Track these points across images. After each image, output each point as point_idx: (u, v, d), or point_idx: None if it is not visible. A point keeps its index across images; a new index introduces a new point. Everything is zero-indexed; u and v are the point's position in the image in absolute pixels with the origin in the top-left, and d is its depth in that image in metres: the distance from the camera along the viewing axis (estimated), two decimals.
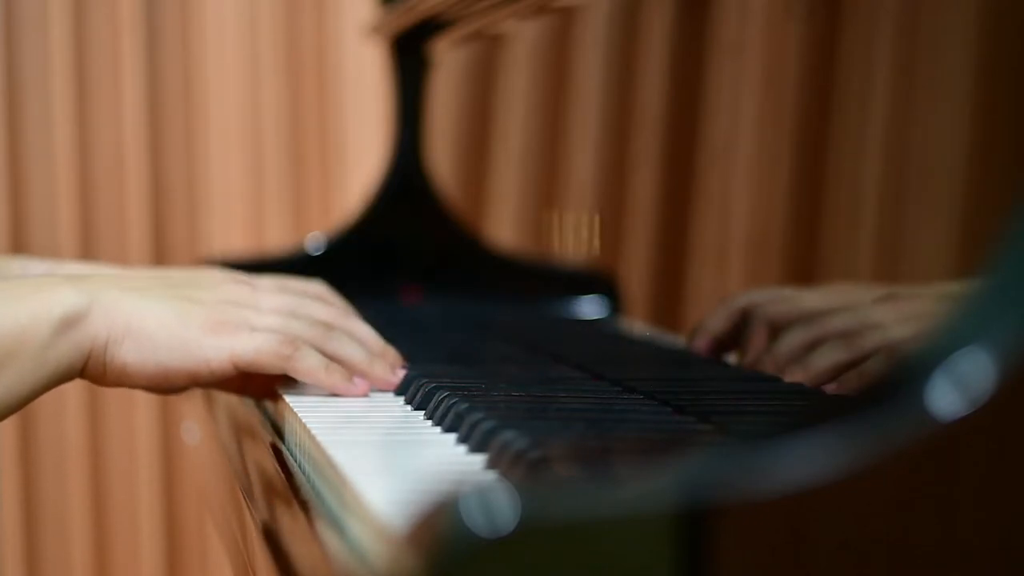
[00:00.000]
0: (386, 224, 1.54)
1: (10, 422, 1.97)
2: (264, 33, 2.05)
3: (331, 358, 0.87)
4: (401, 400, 0.86)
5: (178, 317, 0.85)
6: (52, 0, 1.96)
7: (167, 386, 0.87)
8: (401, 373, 0.89)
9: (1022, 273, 0.49)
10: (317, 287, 0.95)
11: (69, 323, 0.82)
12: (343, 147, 2.09)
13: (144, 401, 2.01)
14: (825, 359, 0.81)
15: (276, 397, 0.90)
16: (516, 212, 1.36)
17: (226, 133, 2.04)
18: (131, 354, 0.84)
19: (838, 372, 0.80)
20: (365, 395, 0.87)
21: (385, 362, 0.89)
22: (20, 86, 1.97)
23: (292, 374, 0.86)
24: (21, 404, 0.83)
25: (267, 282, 0.93)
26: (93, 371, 0.84)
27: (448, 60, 1.53)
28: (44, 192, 1.97)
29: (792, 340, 0.84)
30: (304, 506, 0.68)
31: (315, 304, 0.91)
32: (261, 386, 0.91)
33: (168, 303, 0.85)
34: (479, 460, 0.67)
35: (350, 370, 0.88)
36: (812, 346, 0.82)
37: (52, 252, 1.97)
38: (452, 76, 1.52)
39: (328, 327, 0.89)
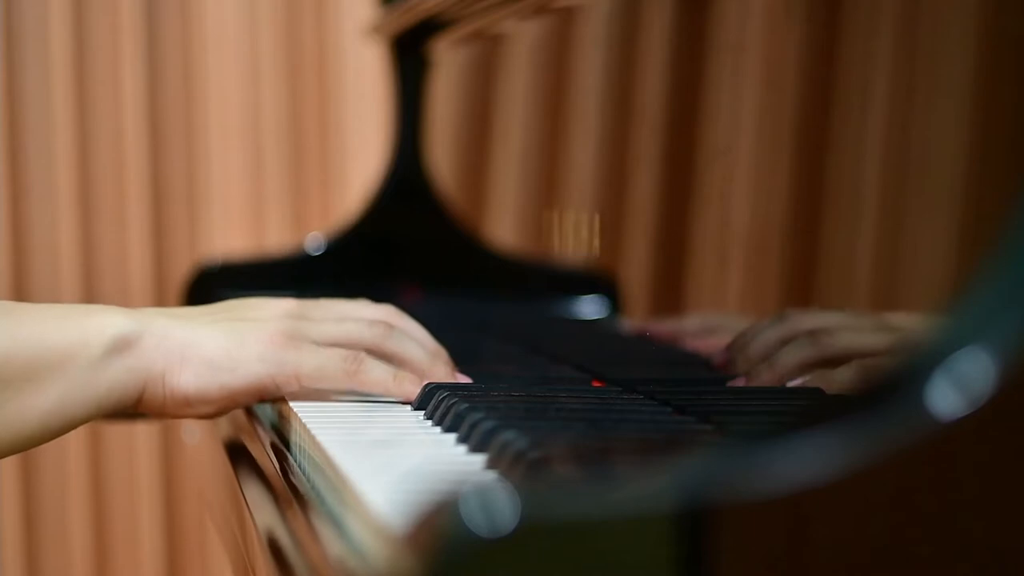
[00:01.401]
0: (386, 224, 1.54)
1: None
2: (264, 33, 2.05)
3: (392, 357, 0.86)
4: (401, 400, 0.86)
5: (234, 338, 0.83)
6: (52, 0, 1.96)
7: (233, 407, 0.85)
8: (460, 376, 0.88)
9: (1022, 273, 0.49)
10: (363, 301, 0.93)
11: (120, 347, 0.81)
12: (343, 147, 2.09)
13: None
14: (790, 357, 0.81)
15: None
16: (516, 212, 1.36)
17: (226, 133, 2.04)
18: (191, 382, 0.82)
19: (804, 370, 0.80)
20: None
21: (442, 361, 0.88)
22: (20, 86, 1.97)
23: (360, 387, 0.85)
24: (70, 425, 0.81)
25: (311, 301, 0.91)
26: (151, 403, 0.83)
27: (448, 60, 1.53)
28: (44, 192, 1.97)
29: (762, 338, 0.84)
30: (304, 506, 0.68)
31: (367, 307, 0.90)
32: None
33: (221, 326, 0.84)
34: (479, 460, 0.67)
35: (411, 370, 0.86)
36: (780, 344, 0.82)
37: (52, 252, 1.97)
38: (452, 76, 1.52)
39: (387, 326, 0.87)
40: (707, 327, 0.94)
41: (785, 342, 0.82)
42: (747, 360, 0.85)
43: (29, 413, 0.79)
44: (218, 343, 0.83)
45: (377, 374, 0.84)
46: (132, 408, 0.83)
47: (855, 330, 0.79)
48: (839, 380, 0.77)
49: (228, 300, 0.90)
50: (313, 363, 0.83)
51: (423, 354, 0.87)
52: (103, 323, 0.81)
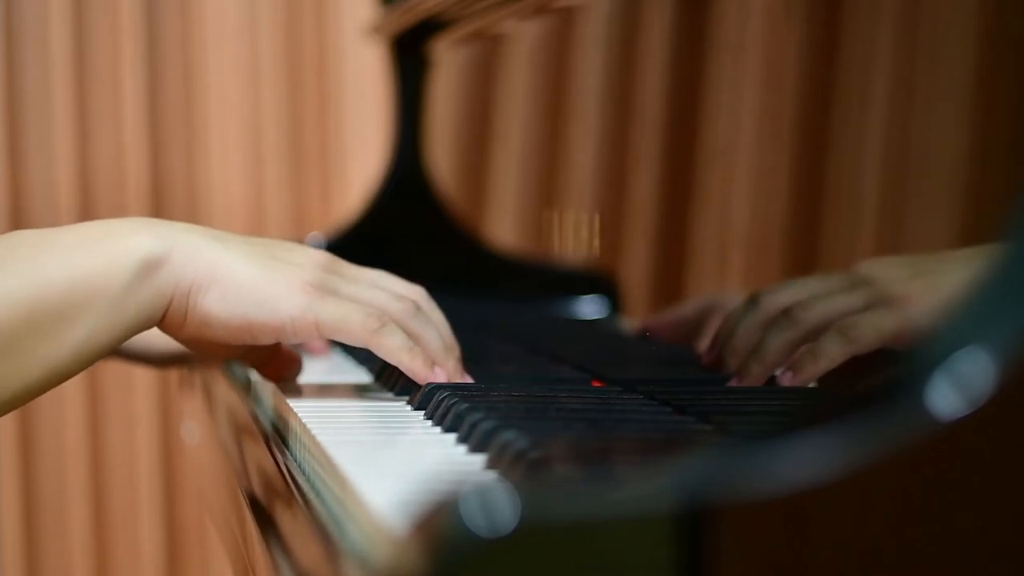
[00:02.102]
0: (386, 224, 1.54)
1: (10, 421, 1.97)
2: (264, 33, 2.05)
3: (410, 337, 0.85)
4: (402, 400, 0.86)
5: (266, 272, 0.82)
6: (52, 0, 1.96)
7: (248, 340, 0.84)
8: (467, 377, 0.88)
9: (1022, 273, 0.49)
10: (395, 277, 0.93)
11: (149, 269, 0.80)
12: (343, 147, 2.09)
13: (144, 401, 2.01)
14: (774, 342, 0.81)
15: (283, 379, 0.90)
16: (516, 212, 1.36)
17: (226, 133, 2.04)
18: (216, 303, 0.81)
19: (790, 351, 0.80)
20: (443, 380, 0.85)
21: (454, 356, 0.88)
22: (20, 86, 1.97)
23: (375, 348, 0.84)
24: (100, 355, 0.80)
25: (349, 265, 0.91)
26: (173, 319, 0.82)
27: (448, 60, 1.53)
28: (44, 192, 1.97)
29: (741, 331, 0.84)
30: (304, 506, 0.68)
31: (399, 282, 0.89)
32: (286, 366, 0.90)
33: (255, 258, 0.83)
34: (479, 460, 0.67)
35: (427, 355, 0.85)
36: (759, 331, 0.82)
37: None
38: (452, 76, 1.52)
39: (414, 304, 0.87)
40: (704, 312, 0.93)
41: (764, 327, 0.82)
42: (734, 356, 0.85)
43: (61, 350, 0.79)
44: (249, 272, 0.82)
45: (395, 340, 0.84)
46: (156, 324, 0.82)
47: (827, 295, 0.79)
48: (826, 351, 0.77)
49: (264, 238, 0.90)
50: (336, 313, 0.83)
51: (440, 343, 0.87)
52: (130, 246, 0.80)
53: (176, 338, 0.85)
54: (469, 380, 0.87)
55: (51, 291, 0.78)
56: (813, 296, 0.80)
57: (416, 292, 0.89)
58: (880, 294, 0.75)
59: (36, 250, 0.79)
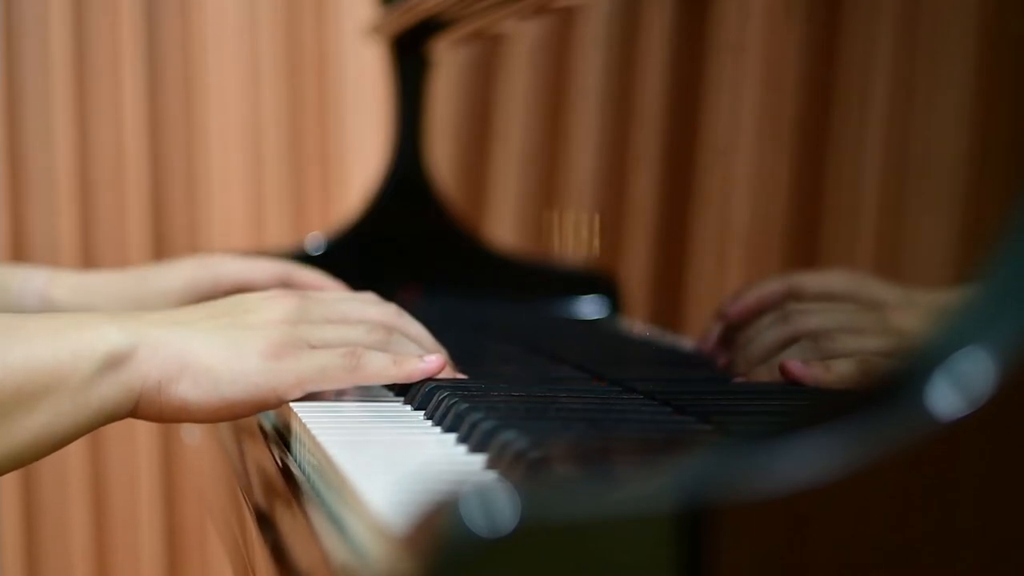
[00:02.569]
0: (386, 224, 1.54)
1: None
2: (264, 33, 2.05)
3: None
4: (401, 400, 0.86)
5: (233, 348, 0.82)
6: (52, 0, 1.96)
7: (232, 418, 0.84)
8: (460, 376, 0.88)
9: (1022, 273, 0.49)
10: (367, 295, 0.93)
11: (113, 363, 0.80)
12: (343, 147, 2.09)
13: None
14: (771, 336, 0.81)
15: None
16: (516, 212, 1.36)
17: (226, 133, 2.04)
18: (191, 392, 0.81)
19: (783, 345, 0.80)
20: (439, 371, 0.85)
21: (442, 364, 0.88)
22: (20, 86, 1.97)
23: (363, 382, 0.84)
24: (60, 443, 0.80)
25: (315, 293, 0.90)
26: (147, 411, 0.82)
27: (448, 60, 1.53)
28: (44, 192, 1.97)
29: (763, 341, 0.84)
30: (304, 506, 0.68)
31: (369, 305, 0.89)
32: None
33: (219, 334, 0.83)
34: (479, 460, 0.67)
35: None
36: (782, 346, 0.83)
37: (52, 252, 1.97)
38: (452, 76, 1.52)
39: (387, 330, 0.87)
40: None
41: (787, 343, 0.82)
42: (747, 362, 0.85)
43: (18, 436, 0.79)
44: (217, 353, 0.82)
45: (377, 364, 0.84)
46: (127, 417, 0.83)
47: (853, 331, 0.79)
48: (840, 373, 0.77)
49: (226, 298, 0.89)
50: (313, 367, 0.83)
51: (422, 353, 0.87)
52: (94, 339, 0.80)
53: (158, 422, 0.85)
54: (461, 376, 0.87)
55: (12, 375, 0.78)
56: (842, 328, 0.79)
57: (388, 312, 0.89)
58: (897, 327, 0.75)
59: (1, 334, 0.79)
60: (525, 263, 1.32)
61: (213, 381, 0.81)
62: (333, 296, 0.92)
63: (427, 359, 0.85)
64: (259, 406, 0.83)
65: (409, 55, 1.57)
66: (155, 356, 0.81)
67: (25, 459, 0.80)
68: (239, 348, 0.82)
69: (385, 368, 0.84)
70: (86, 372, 0.79)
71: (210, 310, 0.87)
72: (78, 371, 0.79)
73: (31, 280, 1.10)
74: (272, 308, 0.86)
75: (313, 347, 0.84)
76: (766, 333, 0.84)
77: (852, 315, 0.80)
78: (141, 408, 0.82)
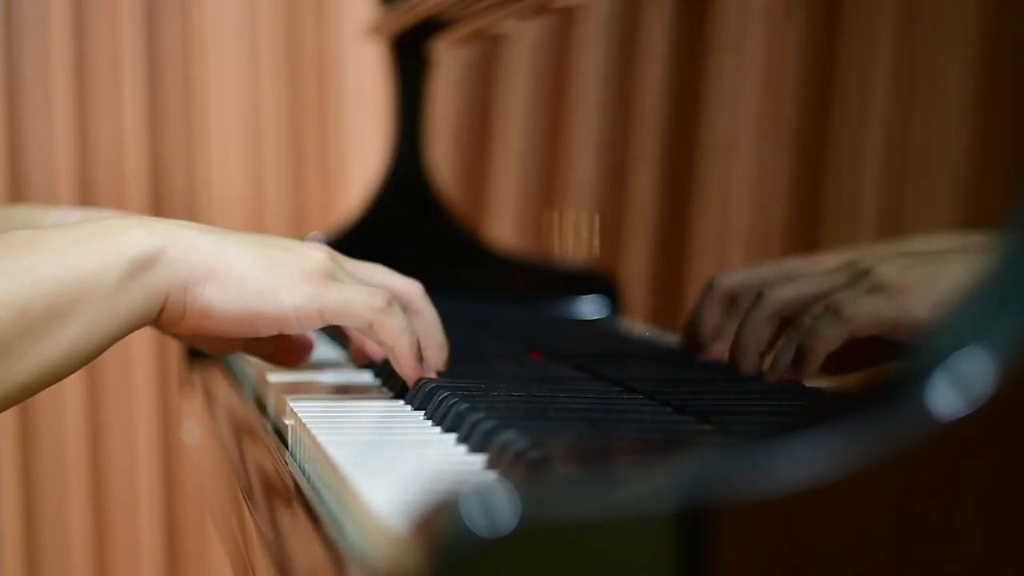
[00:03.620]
0: (386, 224, 1.54)
1: (10, 419, 1.97)
2: (264, 33, 2.05)
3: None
4: (401, 400, 0.86)
5: (265, 262, 0.82)
6: (52, 0, 1.96)
7: (250, 332, 0.84)
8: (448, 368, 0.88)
9: (1022, 273, 0.49)
10: (391, 271, 0.93)
11: (142, 266, 0.79)
12: (343, 147, 2.09)
13: (144, 401, 2.01)
14: (787, 354, 0.80)
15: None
16: (516, 212, 1.36)
17: (226, 133, 2.04)
18: (216, 296, 0.81)
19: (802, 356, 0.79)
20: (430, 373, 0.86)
21: (443, 357, 0.88)
22: (20, 86, 1.97)
23: (378, 328, 0.83)
24: (95, 353, 0.80)
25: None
26: (171, 314, 0.81)
27: (448, 60, 1.53)
28: (44, 192, 1.97)
29: (750, 329, 0.84)
30: (304, 506, 0.68)
31: (398, 277, 0.89)
32: (296, 352, 0.91)
33: (254, 251, 0.83)
34: (479, 460, 0.67)
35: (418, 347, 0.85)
36: (772, 328, 0.82)
37: None
38: (452, 76, 1.52)
39: (408, 303, 0.87)
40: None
41: (769, 324, 0.82)
42: (741, 354, 0.84)
43: (54, 349, 0.78)
44: (248, 264, 0.81)
45: (398, 321, 0.84)
46: (152, 321, 0.82)
47: (828, 291, 0.78)
48: (822, 334, 0.76)
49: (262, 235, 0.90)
50: (339, 296, 0.82)
51: (437, 334, 0.88)
52: (123, 244, 0.79)
53: (175, 333, 0.84)
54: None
55: (42, 290, 0.77)
56: (815, 293, 0.79)
57: (412, 287, 0.89)
58: (877, 281, 0.74)
59: (28, 249, 0.79)
60: (525, 263, 1.32)
61: (240, 289, 0.81)
62: (360, 262, 0.92)
63: (426, 365, 0.86)
64: (279, 324, 0.82)
65: (409, 55, 1.57)
66: (186, 257, 0.81)
67: (65, 370, 0.79)
68: (271, 265, 0.82)
69: (400, 332, 0.84)
70: (115, 277, 0.79)
71: (247, 234, 0.86)
72: (107, 278, 0.79)
73: (67, 218, 1.09)
74: (308, 247, 0.86)
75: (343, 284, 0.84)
76: (748, 326, 0.84)
77: (824, 280, 0.79)
78: (166, 311, 0.81)
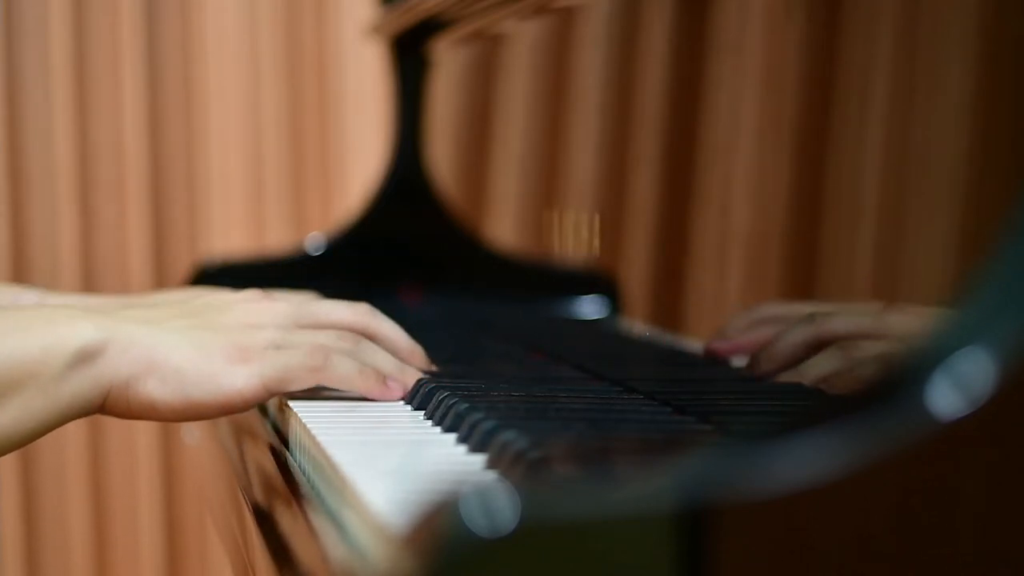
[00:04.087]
0: (386, 224, 1.54)
1: None
2: (264, 33, 2.05)
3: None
4: (401, 400, 0.86)
5: (200, 349, 0.82)
6: (52, 0, 1.96)
7: (198, 418, 0.84)
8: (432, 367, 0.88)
9: (1022, 273, 0.49)
10: (337, 303, 0.92)
11: (84, 358, 0.80)
12: (343, 147, 2.09)
13: None
14: (822, 366, 0.80)
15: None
16: (516, 212, 1.36)
17: (226, 133, 2.04)
18: (157, 391, 0.81)
19: (833, 378, 0.79)
20: (400, 399, 0.86)
21: (415, 366, 0.89)
22: (20, 86, 1.97)
23: (327, 383, 0.84)
24: (30, 438, 0.81)
25: (286, 294, 0.91)
26: (115, 407, 0.82)
27: (448, 60, 1.53)
28: (44, 192, 1.97)
29: (791, 338, 0.84)
30: (304, 506, 0.68)
31: (339, 306, 0.89)
32: None
33: (188, 335, 0.83)
34: (479, 460, 0.67)
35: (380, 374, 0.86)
36: (811, 348, 0.82)
37: (52, 252, 1.97)
38: (452, 76, 1.52)
39: (355, 339, 0.87)
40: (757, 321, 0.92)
41: (810, 349, 0.81)
42: (771, 363, 0.84)
43: None
44: (184, 355, 0.82)
45: (342, 369, 0.84)
46: (96, 412, 0.83)
47: (879, 336, 0.78)
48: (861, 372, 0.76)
49: (201, 298, 0.90)
50: (278, 367, 0.83)
51: (392, 363, 0.87)
52: (66, 334, 0.80)
53: (124, 418, 0.85)
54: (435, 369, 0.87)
55: None
56: (869, 332, 0.79)
57: (359, 311, 0.89)
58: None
59: None
60: (525, 263, 1.32)
61: (180, 382, 0.81)
62: (304, 297, 0.92)
63: (391, 384, 0.86)
64: (225, 408, 0.83)
65: (409, 55, 1.57)
66: (125, 353, 0.81)
67: None
68: (205, 350, 0.82)
69: (349, 375, 0.84)
70: (57, 367, 0.79)
71: (183, 308, 0.87)
72: (49, 366, 0.79)
73: (21, 298, 1.10)
74: (241, 310, 0.86)
75: (279, 348, 0.84)
76: (790, 335, 0.84)
77: (878, 320, 0.79)
78: (109, 404, 0.82)
